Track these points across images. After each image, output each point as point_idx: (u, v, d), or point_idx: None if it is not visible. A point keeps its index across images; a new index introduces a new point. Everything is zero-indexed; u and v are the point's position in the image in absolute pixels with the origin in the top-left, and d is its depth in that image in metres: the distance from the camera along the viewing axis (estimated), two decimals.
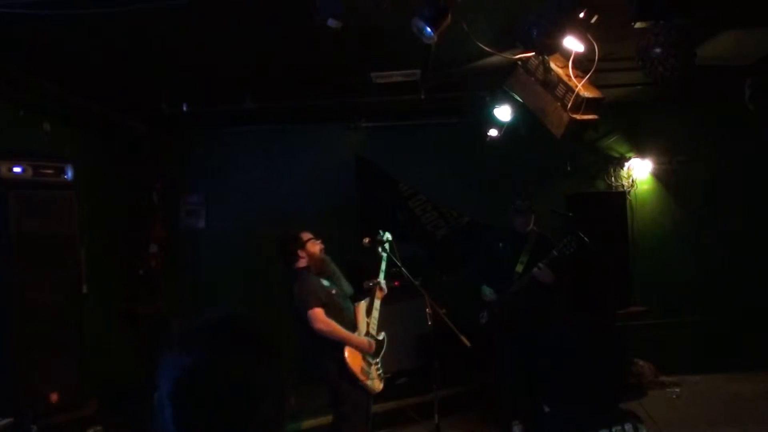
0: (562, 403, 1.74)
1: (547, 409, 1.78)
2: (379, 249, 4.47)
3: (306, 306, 4.10)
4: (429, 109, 6.50)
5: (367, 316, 4.37)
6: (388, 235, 4.50)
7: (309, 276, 4.27)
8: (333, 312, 4.19)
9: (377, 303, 4.41)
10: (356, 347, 4.18)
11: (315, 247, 4.33)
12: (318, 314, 4.08)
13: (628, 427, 1.67)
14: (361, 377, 4.13)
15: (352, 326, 4.26)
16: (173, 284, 6.94)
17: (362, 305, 4.41)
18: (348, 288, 4.45)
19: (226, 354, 1.09)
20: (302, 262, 4.29)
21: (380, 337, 4.39)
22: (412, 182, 6.92)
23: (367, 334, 4.30)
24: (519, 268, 5.11)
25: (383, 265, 4.49)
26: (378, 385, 4.27)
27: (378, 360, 4.33)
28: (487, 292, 5.18)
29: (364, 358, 4.22)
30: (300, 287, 4.19)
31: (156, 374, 1.09)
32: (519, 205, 5.19)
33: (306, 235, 4.35)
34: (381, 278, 4.46)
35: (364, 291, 4.62)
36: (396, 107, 6.44)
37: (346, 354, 4.10)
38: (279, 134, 7.16)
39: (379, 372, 4.29)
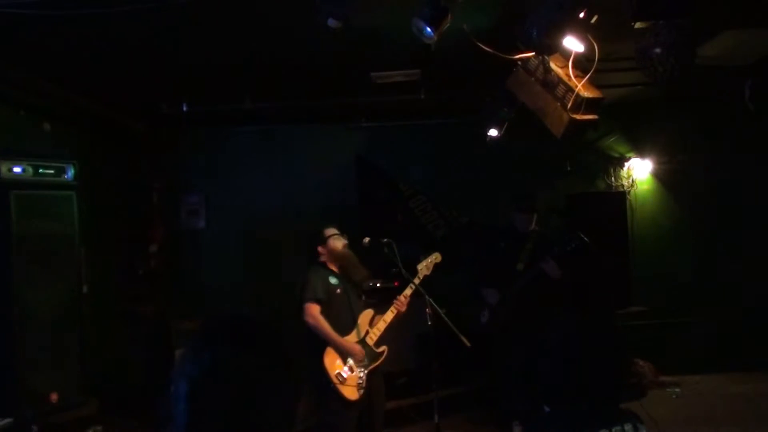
0: (562, 403, 1.74)
1: (547, 409, 1.78)
2: (419, 266, 4.44)
3: (303, 298, 4.14)
4: (429, 109, 6.50)
5: (370, 325, 4.30)
6: (437, 255, 4.53)
7: (318, 270, 4.29)
8: (330, 310, 4.16)
9: (390, 316, 4.29)
10: (340, 350, 4.13)
11: (338, 242, 4.35)
12: (310, 308, 4.10)
13: (628, 427, 1.67)
14: (334, 380, 4.04)
15: (346, 328, 4.20)
16: (173, 284, 6.94)
17: (369, 312, 4.36)
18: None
19: (240, 354, 1.11)
20: (321, 258, 4.35)
21: (378, 350, 4.28)
22: (412, 182, 6.92)
23: (362, 340, 4.23)
24: (520, 266, 5.11)
25: (416, 280, 4.37)
26: (352, 393, 4.10)
27: (363, 369, 4.18)
28: (489, 296, 5.17)
29: (345, 363, 4.12)
30: (305, 279, 4.22)
31: (172, 371, 1.12)
32: (522, 204, 5.19)
33: (329, 231, 4.40)
34: (407, 292, 4.34)
35: (365, 291, 4.65)
36: (396, 107, 6.44)
37: (325, 353, 4.08)
38: (279, 134, 7.16)
39: (360, 382, 4.14)
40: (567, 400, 1.73)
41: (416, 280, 4.34)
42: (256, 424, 1.09)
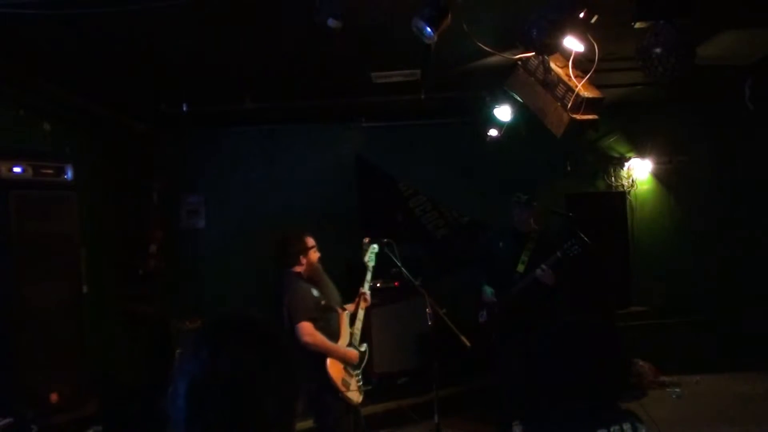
0: (562, 403, 1.75)
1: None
2: (366, 258, 4.43)
3: (295, 318, 3.99)
4: (429, 109, 6.50)
5: (351, 326, 4.30)
6: (375, 247, 4.46)
7: (301, 284, 4.16)
8: (320, 323, 4.10)
9: (361, 313, 4.32)
10: (341, 359, 4.11)
11: (315, 255, 4.25)
12: (306, 328, 3.96)
13: (626, 426, 1.67)
14: (342, 388, 4.04)
15: (336, 336, 4.19)
16: (173, 284, 6.94)
17: (346, 314, 4.34)
18: (337, 297, 4.35)
19: (240, 351, 1.12)
20: (299, 268, 4.20)
21: (362, 349, 4.29)
22: (412, 182, 6.93)
23: (350, 344, 4.22)
24: (520, 267, 5.08)
25: (369, 276, 4.42)
26: (357, 397, 4.15)
27: (359, 372, 4.22)
28: (488, 292, 5.16)
29: (345, 369, 4.12)
30: (292, 297, 4.07)
31: (173, 370, 1.12)
32: (519, 197, 5.15)
33: (311, 242, 4.26)
34: (366, 288, 4.40)
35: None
36: (396, 107, 6.44)
37: (328, 365, 4.02)
38: (279, 134, 7.17)
39: (359, 384, 4.18)
40: (566, 399, 1.73)
41: (368, 277, 4.41)
42: (256, 421, 1.09)
